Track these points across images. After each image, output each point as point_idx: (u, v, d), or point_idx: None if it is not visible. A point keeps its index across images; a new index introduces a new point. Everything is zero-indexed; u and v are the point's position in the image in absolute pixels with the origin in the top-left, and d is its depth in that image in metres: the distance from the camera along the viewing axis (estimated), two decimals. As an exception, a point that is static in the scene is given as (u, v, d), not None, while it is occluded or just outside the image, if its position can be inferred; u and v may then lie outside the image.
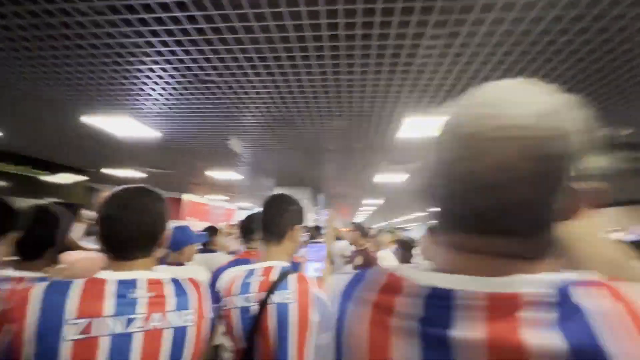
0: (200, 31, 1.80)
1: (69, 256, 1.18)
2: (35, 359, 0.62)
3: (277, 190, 7.69)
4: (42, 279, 0.74)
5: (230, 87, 2.50)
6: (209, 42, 1.90)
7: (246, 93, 2.60)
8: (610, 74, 2.16)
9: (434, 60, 2.04)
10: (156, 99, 2.78)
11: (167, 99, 2.77)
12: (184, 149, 4.42)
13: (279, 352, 0.91)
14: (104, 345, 0.66)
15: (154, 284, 0.75)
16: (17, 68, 2.30)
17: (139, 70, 2.27)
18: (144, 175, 6.90)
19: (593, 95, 2.43)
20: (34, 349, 0.62)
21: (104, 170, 6.46)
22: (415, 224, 21.68)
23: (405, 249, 2.48)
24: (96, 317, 0.67)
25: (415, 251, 4.02)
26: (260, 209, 1.15)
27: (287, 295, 0.95)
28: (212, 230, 2.58)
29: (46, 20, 1.74)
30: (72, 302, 0.66)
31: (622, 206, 8.38)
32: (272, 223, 1.08)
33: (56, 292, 0.67)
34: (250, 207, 13.97)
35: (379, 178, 6.00)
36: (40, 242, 1.07)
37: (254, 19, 1.69)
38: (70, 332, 0.64)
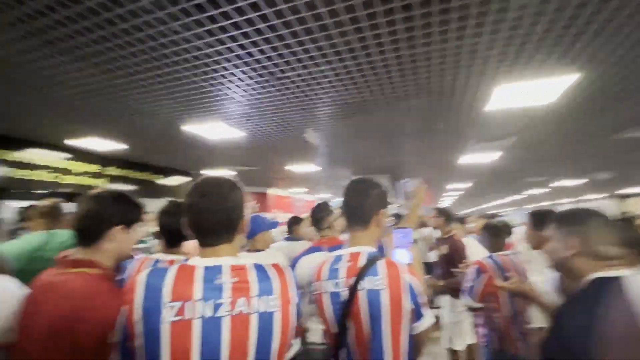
0: (272, 28, 1.86)
1: (187, 244, 1.38)
2: (143, 338, 0.68)
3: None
4: (185, 261, 0.86)
5: (304, 80, 2.55)
6: (280, 37, 1.95)
7: (319, 84, 2.61)
8: None
9: (532, 10, 1.70)
10: (239, 101, 3.01)
11: (248, 100, 2.98)
12: (265, 145, 4.73)
13: (372, 339, 0.89)
14: (196, 328, 0.69)
15: (238, 269, 0.76)
16: (134, 91, 2.77)
17: (223, 77, 2.48)
18: (234, 173, 7.69)
19: None
20: (142, 328, 0.68)
21: (203, 172, 7.40)
22: (510, 209, 19.23)
23: (493, 235, 2.11)
24: (188, 301, 0.70)
25: (510, 239, 3.44)
26: (340, 199, 1.13)
27: (377, 282, 0.92)
28: (294, 220, 2.70)
29: (159, 52, 2.03)
30: (168, 286, 0.71)
31: None
32: (356, 208, 1.05)
33: (155, 277, 0.73)
34: (329, 197, 14.36)
35: (465, 159, 5.45)
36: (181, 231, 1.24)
37: (321, 4, 1.66)
38: (167, 314, 0.69)
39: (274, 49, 2.08)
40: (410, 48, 2.07)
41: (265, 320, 0.73)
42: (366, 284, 0.92)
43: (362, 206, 1.04)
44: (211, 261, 0.77)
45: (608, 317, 0.78)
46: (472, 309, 2.14)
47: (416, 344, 0.95)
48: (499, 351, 1.98)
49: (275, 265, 0.83)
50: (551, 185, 9.10)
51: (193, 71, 2.40)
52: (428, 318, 0.96)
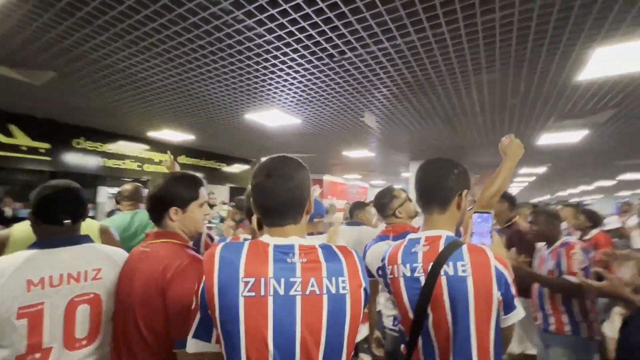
0: (333, 5, 1.79)
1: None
2: (219, 311, 0.69)
3: (413, 165, 7.37)
4: None
5: (362, 60, 2.45)
6: (340, 15, 1.88)
7: (378, 63, 2.49)
8: None
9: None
10: (297, 87, 3.03)
11: (305, 86, 2.98)
12: (322, 131, 4.74)
13: (456, 329, 0.82)
14: (270, 305, 0.69)
15: (308, 249, 0.75)
16: (201, 83, 2.96)
17: (283, 62, 2.51)
18: (285, 156, 7.91)
19: None
20: (218, 301, 0.69)
21: (263, 159, 7.74)
22: (595, 196, 16.76)
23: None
24: (262, 277, 0.70)
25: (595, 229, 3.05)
26: (392, 186, 1.05)
27: (462, 267, 0.84)
28: (358, 205, 2.68)
29: (223, 42, 2.12)
30: (243, 261, 0.72)
31: None
32: (434, 188, 0.97)
33: (232, 252, 0.74)
34: (382, 184, 14.04)
35: (544, 139, 4.83)
36: None
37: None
38: (243, 289, 0.69)
39: (333, 28, 2.02)
40: (486, 13, 1.84)
41: (337, 302, 0.72)
42: (450, 269, 0.85)
43: (441, 186, 0.96)
44: (282, 240, 0.76)
45: None
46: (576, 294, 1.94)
47: (503, 338, 0.87)
48: (588, 339, 1.88)
49: (342, 248, 0.80)
50: (653, 168, 7.66)
51: (254, 60, 2.47)
52: (519, 311, 0.86)
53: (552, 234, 2.10)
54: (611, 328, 2.27)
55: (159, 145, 5.89)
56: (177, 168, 2.05)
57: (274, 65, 2.56)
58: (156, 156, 5.96)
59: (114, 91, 3.30)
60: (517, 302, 0.87)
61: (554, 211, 2.30)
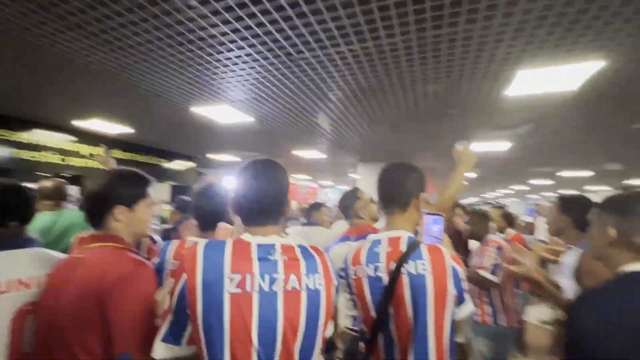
0: (281, 8, 1.77)
1: (220, 228, 1.35)
2: (201, 307, 0.70)
3: (361, 167, 7.65)
4: None
5: (320, 61, 2.46)
6: (289, 18, 1.86)
7: (335, 65, 2.53)
8: None
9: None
10: (252, 84, 2.93)
11: (260, 82, 2.90)
12: (273, 131, 4.66)
13: (416, 324, 0.87)
14: (255, 300, 0.72)
15: (288, 248, 0.80)
16: (142, 71, 2.69)
17: (235, 57, 2.40)
18: (238, 159, 7.63)
19: None
20: (201, 298, 0.71)
21: (209, 156, 7.34)
22: (513, 199, 19.21)
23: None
24: (248, 273, 0.73)
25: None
26: (348, 188, 1.10)
27: (422, 266, 0.89)
28: (314, 206, 2.70)
29: (170, 30, 1.95)
30: (228, 258, 0.74)
31: None
32: (395, 191, 1.01)
33: (215, 249, 0.76)
34: (331, 185, 14.33)
35: (476, 147, 5.37)
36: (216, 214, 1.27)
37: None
38: (229, 285, 0.71)
39: (293, 27, 1.99)
40: (435, 28, 1.98)
41: (313, 297, 0.77)
42: (410, 268, 0.89)
43: (402, 189, 1.01)
44: (263, 239, 0.79)
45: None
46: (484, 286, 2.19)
47: (456, 329, 0.93)
48: (507, 327, 2.12)
49: (314, 247, 0.86)
50: (557, 175, 9.04)
51: (206, 50, 2.32)
52: (470, 304, 0.94)
53: (483, 232, 2.35)
54: (530, 313, 2.60)
55: (87, 137, 5.23)
56: (113, 163, 1.83)
57: (227, 58, 2.44)
58: (84, 149, 5.28)
59: (30, 72, 2.84)
60: (467, 295, 0.94)
61: (485, 212, 2.58)
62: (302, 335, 0.74)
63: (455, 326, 0.92)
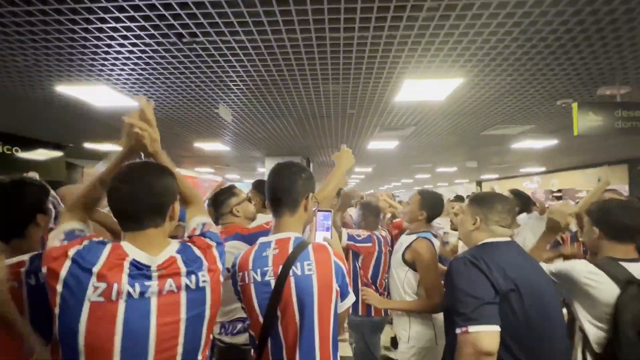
0: (183, -20, 1.58)
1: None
2: (61, 308, 0.68)
3: (268, 161, 7.57)
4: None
5: (218, 48, 2.30)
6: (193, -7, 1.68)
7: (235, 54, 2.40)
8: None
9: (438, 20, 1.89)
10: (135, 64, 2.54)
11: (146, 63, 2.54)
12: (168, 119, 4.18)
13: (304, 322, 0.88)
14: (121, 310, 0.70)
15: (167, 263, 0.78)
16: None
17: (115, 29, 2.03)
18: (149, 161, 6.58)
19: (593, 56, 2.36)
20: (61, 299, 0.69)
21: (87, 145, 6.13)
22: (403, 190, 22.15)
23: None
24: (115, 283, 0.71)
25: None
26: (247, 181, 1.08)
27: (308, 266, 0.91)
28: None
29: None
30: (97, 266, 0.71)
31: (606, 165, 8.75)
32: (284, 192, 1.00)
33: (90, 254, 0.73)
34: (237, 179, 13.81)
35: (372, 145, 5.93)
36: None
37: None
38: (92, 294, 0.69)
39: (183, 5, 1.79)
40: (333, 30, 2.06)
41: (196, 296, 0.79)
42: (297, 270, 0.90)
43: (290, 191, 1.00)
44: (140, 255, 0.76)
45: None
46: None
47: (340, 319, 0.99)
48: (379, 317, 2.17)
49: (199, 241, 0.87)
50: (435, 170, 10.78)
51: (71, 17, 1.89)
52: (352, 296, 1.01)
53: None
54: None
55: None
56: None
57: (100, 30, 2.04)
58: None
59: None
60: (350, 288, 1.01)
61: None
62: (183, 336, 0.75)
63: (339, 317, 0.98)
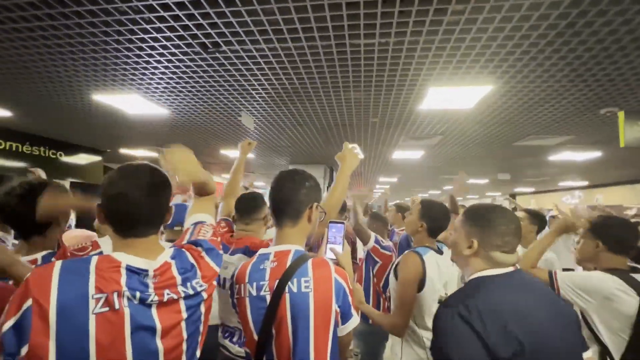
0: (204, -9, 1.62)
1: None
2: (60, 335, 0.62)
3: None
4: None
5: (240, 57, 2.33)
6: (213, 4, 1.72)
7: (256, 63, 2.43)
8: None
9: (464, 24, 1.80)
10: (163, 73, 2.64)
11: (173, 73, 2.63)
12: (195, 126, 4.32)
13: (298, 343, 0.81)
14: (127, 317, 0.68)
15: (163, 268, 0.76)
16: (31, 48, 2.20)
17: (146, 42, 2.13)
18: (157, 154, 6.91)
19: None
20: (59, 324, 0.62)
21: (122, 151, 6.49)
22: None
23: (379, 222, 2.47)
24: (114, 292, 0.68)
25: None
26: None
27: (306, 283, 0.84)
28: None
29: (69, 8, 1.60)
30: (93, 279, 0.68)
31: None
32: (286, 202, 0.95)
33: (78, 267, 0.69)
34: (263, 186, 14.03)
35: (396, 155, 5.79)
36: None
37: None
38: (95, 306, 0.66)
39: (204, 15, 1.83)
40: (353, 37, 2.03)
41: (194, 302, 0.79)
42: (294, 286, 0.84)
43: (292, 200, 0.94)
44: (135, 261, 0.74)
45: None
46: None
47: (340, 345, 0.90)
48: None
49: (191, 249, 0.85)
50: (465, 182, 10.33)
51: (108, 29, 2.00)
52: (355, 318, 0.91)
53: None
54: None
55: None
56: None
57: (130, 41, 2.14)
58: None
59: None
60: (353, 310, 0.91)
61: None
62: (186, 338, 0.76)
63: (341, 342, 0.89)
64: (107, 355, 0.65)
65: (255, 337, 0.85)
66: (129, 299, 0.68)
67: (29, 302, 0.62)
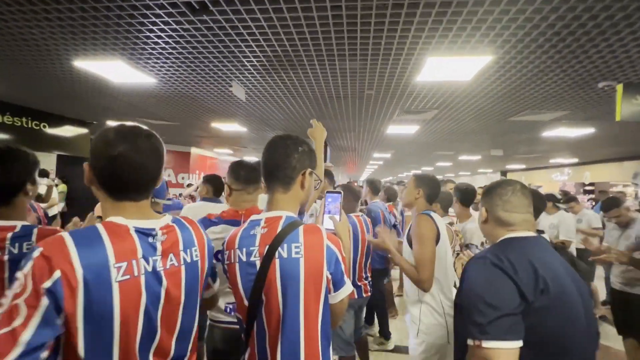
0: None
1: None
2: (84, 305, 0.61)
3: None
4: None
5: (230, 20, 2.20)
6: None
7: (247, 28, 2.29)
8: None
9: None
10: (147, 37, 2.49)
11: (158, 37, 2.48)
12: (184, 97, 4.17)
13: (288, 311, 0.81)
14: (143, 284, 0.69)
15: (167, 229, 0.77)
16: (1, 6, 2.02)
17: (134, 7, 1.97)
18: (145, 127, 6.71)
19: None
20: (82, 296, 0.61)
21: (109, 123, 6.29)
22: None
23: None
24: (133, 259, 0.69)
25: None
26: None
27: (296, 249, 0.82)
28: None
29: None
30: (110, 247, 0.67)
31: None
32: (277, 167, 0.91)
33: (90, 237, 0.67)
34: (256, 160, 13.93)
35: (391, 129, 5.72)
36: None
37: None
38: (116, 275, 0.65)
39: (191, -29, 1.69)
40: (349, 1, 1.91)
41: (192, 269, 0.80)
42: (283, 252, 0.82)
43: (284, 165, 0.91)
44: (142, 223, 0.74)
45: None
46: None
47: (332, 312, 0.90)
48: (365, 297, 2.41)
49: (186, 218, 0.87)
50: (458, 158, 10.37)
51: (78, -16, 1.84)
52: (348, 286, 0.91)
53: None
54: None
55: None
56: None
57: (121, 8, 1.98)
58: None
59: None
60: (346, 278, 0.90)
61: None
62: (182, 307, 0.77)
63: (333, 310, 0.89)
64: (128, 323, 0.66)
65: (246, 302, 0.85)
66: (144, 265, 0.69)
67: (58, 273, 0.60)
